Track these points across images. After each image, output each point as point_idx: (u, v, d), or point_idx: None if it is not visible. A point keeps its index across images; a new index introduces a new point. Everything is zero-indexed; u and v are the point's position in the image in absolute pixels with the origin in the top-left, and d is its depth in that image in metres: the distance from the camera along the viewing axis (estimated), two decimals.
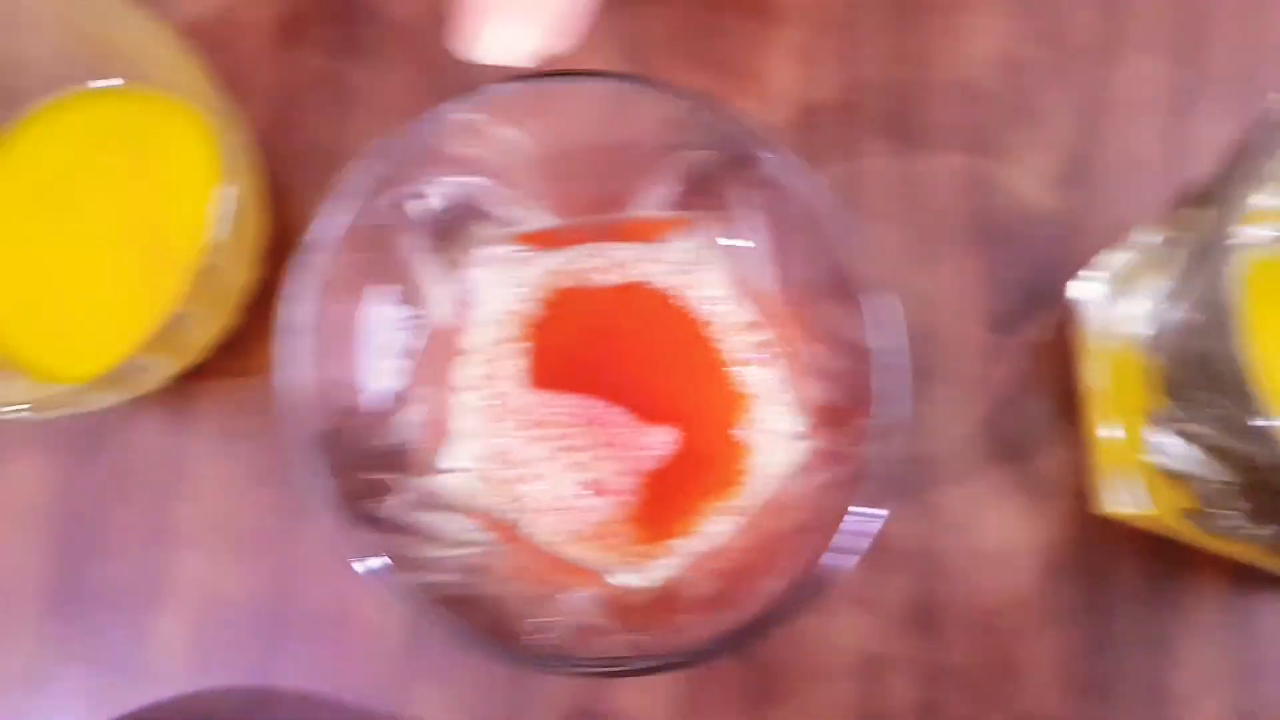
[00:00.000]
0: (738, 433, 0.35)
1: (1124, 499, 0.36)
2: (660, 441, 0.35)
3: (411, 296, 0.34)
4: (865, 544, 0.28)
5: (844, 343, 0.31)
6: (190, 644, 0.42)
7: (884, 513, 0.28)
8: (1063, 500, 0.40)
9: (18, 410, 0.34)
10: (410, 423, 0.34)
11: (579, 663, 0.27)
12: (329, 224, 0.29)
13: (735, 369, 0.36)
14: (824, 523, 0.30)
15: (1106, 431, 0.37)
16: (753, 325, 0.36)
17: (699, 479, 0.35)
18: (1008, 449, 0.40)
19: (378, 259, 0.32)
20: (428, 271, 0.34)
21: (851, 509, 0.29)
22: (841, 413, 0.32)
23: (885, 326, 0.28)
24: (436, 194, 0.33)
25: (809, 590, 0.27)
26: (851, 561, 0.27)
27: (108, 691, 0.42)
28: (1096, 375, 0.38)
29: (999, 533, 0.39)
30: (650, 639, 0.30)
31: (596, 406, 0.36)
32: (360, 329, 0.31)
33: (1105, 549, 0.39)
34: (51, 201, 0.42)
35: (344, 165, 0.46)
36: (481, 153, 0.32)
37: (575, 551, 0.34)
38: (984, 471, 0.41)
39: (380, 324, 0.32)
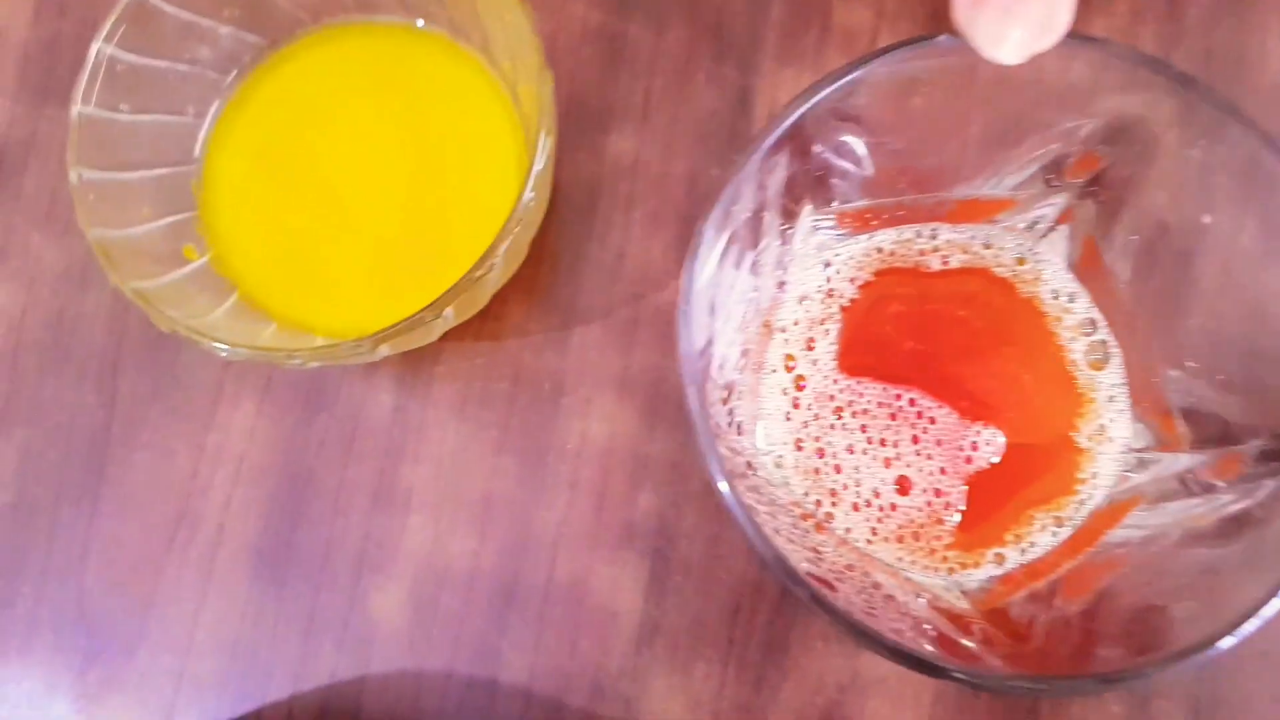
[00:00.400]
0: (1072, 436, 0.32)
1: None
2: (985, 441, 0.32)
3: (759, 266, 0.31)
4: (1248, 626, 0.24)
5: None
6: (409, 616, 0.39)
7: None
8: None
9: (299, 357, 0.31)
10: (741, 395, 0.31)
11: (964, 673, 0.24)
12: (742, 182, 0.26)
13: (1074, 369, 0.33)
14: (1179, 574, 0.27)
15: None
16: (1102, 321, 0.33)
17: (1024, 482, 0.32)
18: None
19: (748, 226, 0.29)
20: (771, 242, 0.31)
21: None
22: (1225, 430, 0.29)
23: None
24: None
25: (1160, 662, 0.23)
26: (1223, 645, 0.24)
27: (315, 660, 0.39)
28: None
29: None
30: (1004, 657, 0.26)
31: (914, 398, 0.33)
32: (724, 295, 0.28)
33: None
34: (335, 129, 0.39)
35: (612, 121, 0.43)
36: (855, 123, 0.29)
37: (883, 553, 0.31)
38: None
39: (735, 292, 0.29)
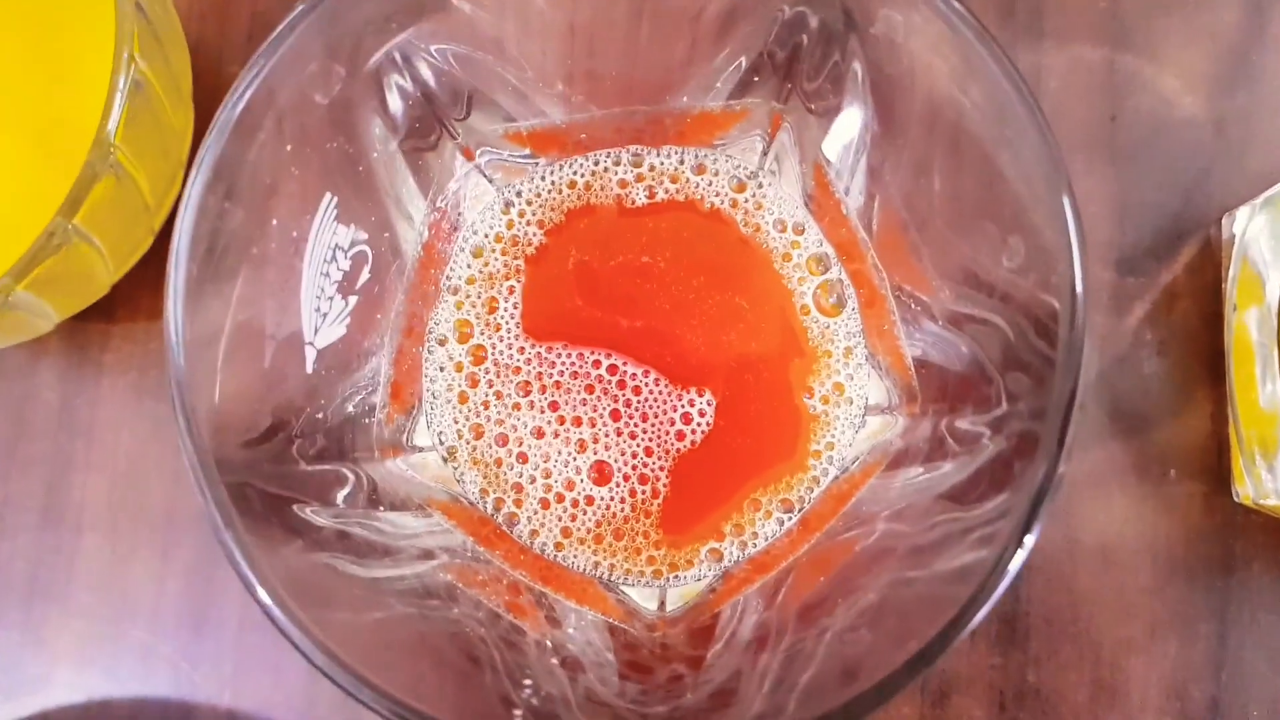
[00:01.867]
0: (805, 400, 0.26)
1: (1271, 486, 0.29)
2: (699, 411, 0.26)
3: (372, 212, 0.24)
4: (997, 586, 0.19)
5: (975, 286, 0.22)
6: (88, 645, 0.33)
7: (1029, 540, 0.19)
8: (1191, 484, 0.32)
9: None
10: (365, 386, 0.25)
11: None
12: (258, 97, 0.19)
13: (805, 317, 0.27)
14: (925, 542, 0.21)
15: (1256, 401, 0.29)
16: (834, 257, 0.27)
17: (746, 460, 0.26)
18: (1126, 418, 0.32)
19: (329, 156, 0.23)
20: (397, 178, 0.25)
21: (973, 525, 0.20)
22: (959, 387, 0.23)
23: (1058, 266, 0.19)
24: (416, 67, 0.23)
25: (916, 664, 0.18)
26: (976, 616, 0.18)
27: None
28: (1251, 331, 0.29)
29: (1106, 522, 0.32)
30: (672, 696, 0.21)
31: (615, 364, 0.27)
32: (303, 256, 0.22)
33: (1241, 547, 0.32)
34: None
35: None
36: (482, 10, 0.22)
37: (577, 556, 0.26)
38: (1093, 446, 0.32)
39: (325, 250, 0.23)
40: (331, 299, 0.23)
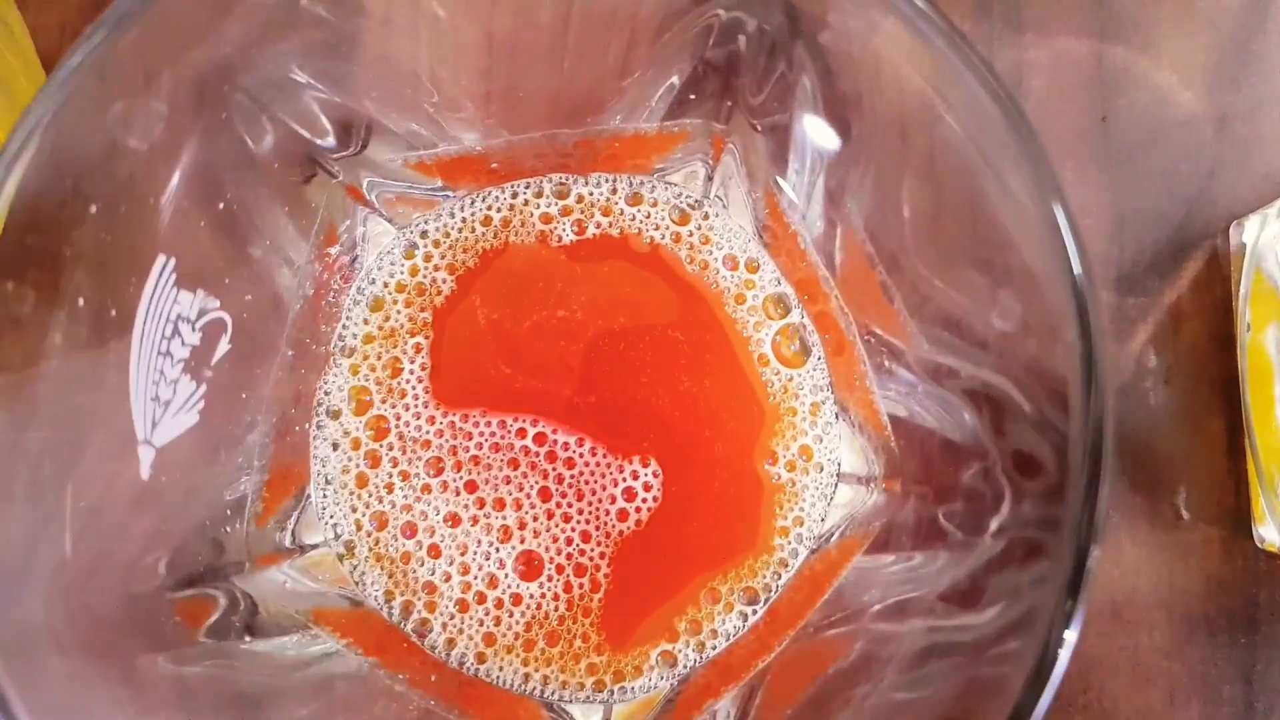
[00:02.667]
0: (766, 468, 0.22)
1: None
2: (644, 485, 0.22)
3: (230, 270, 0.20)
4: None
5: (958, 334, 0.18)
6: None
7: (1069, 640, 0.15)
8: (1207, 528, 0.29)
9: None
10: (229, 482, 0.21)
11: None
12: (41, 151, 0.15)
13: (764, 368, 0.23)
14: (921, 647, 0.17)
15: (1278, 429, 0.27)
16: (794, 297, 0.23)
17: (701, 541, 0.22)
18: (1132, 456, 0.30)
19: (157, 213, 0.18)
20: (266, 223, 0.20)
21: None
22: (947, 457, 0.19)
23: (1061, 328, 0.15)
24: (276, 94, 0.19)
25: None
26: None
27: None
28: (1269, 350, 0.28)
29: (1115, 575, 0.29)
30: None
31: (543, 432, 0.23)
32: (131, 336, 0.17)
33: (1266, 596, 0.29)
34: None
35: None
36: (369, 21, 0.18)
37: (503, 669, 0.21)
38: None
39: (165, 324, 0.18)
40: (175, 382, 0.19)
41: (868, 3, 0.16)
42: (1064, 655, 0.15)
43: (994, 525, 0.18)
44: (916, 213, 0.20)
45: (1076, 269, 0.15)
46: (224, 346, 0.20)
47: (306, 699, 0.19)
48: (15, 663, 0.14)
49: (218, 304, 0.19)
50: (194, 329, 0.19)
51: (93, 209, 0.16)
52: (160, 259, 0.18)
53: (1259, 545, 0.28)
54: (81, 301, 0.16)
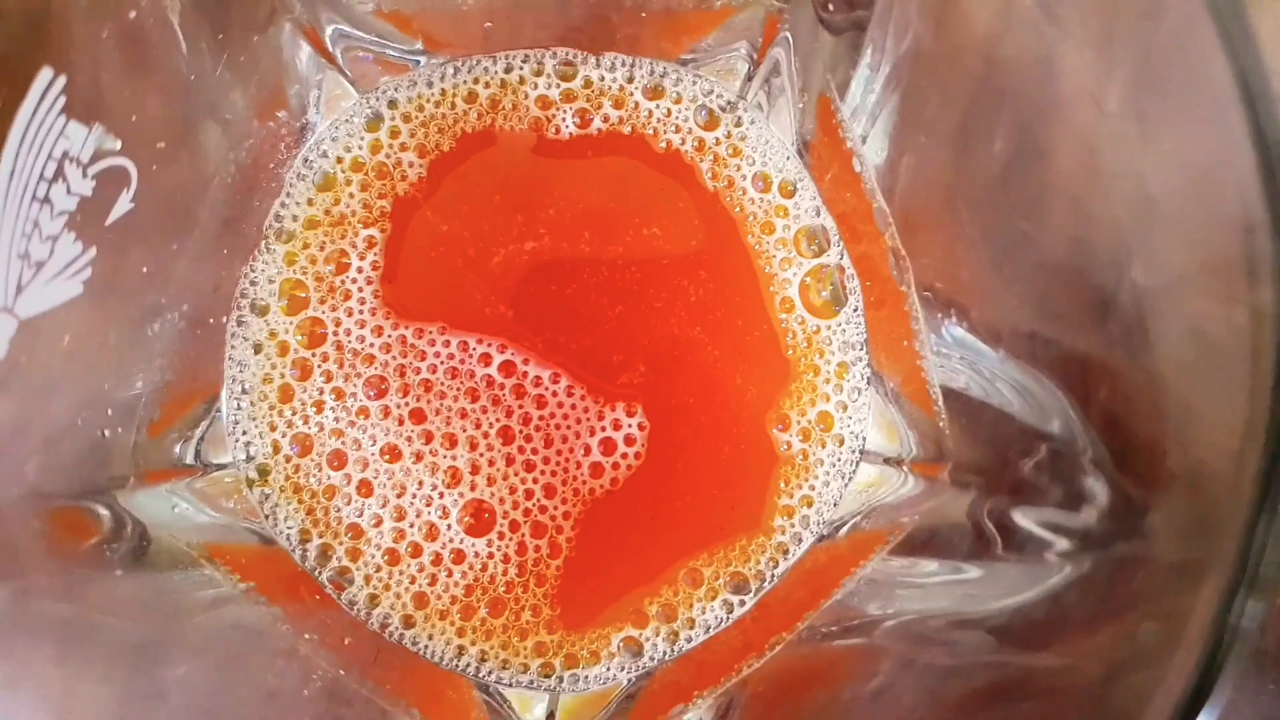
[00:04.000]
0: (775, 433, 0.18)
1: None
2: (625, 438, 0.18)
3: (143, 108, 0.15)
4: None
5: (1065, 297, 0.14)
6: None
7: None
8: None
9: None
10: (121, 378, 0.16)
11: None
12: None
13: (787, 314, 0.19)
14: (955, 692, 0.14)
15: None
16: (835, 233, 0.19)
17: (686, 513, 0.18)
18: None
19: (50, 15, 0.14)
20: (196, 62, 0.16)
21: None
22: (1016, 445, 0.15)
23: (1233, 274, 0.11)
24: None
25: None
26: None
27: None
28: None
29: None
30: None
31: (511, 360, 0.18)
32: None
33: None
34: None
35: None
36: None
37: (433, 638, 0.18)
38: None
39: (44, 160, 0.14)
40: (54, 239, 0.15)
41: None
42: None
43: (1066, 546, 0.14)
44: (1013, 143, 0.15)
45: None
46: (125, 204, 0.16)
47: (192, 653, 0.16)
48: None
49: (119, 146, 0.15)
50: (85, 174, 0.15)
51: None
52: (44, 73, 0.14)
53: None
54: None
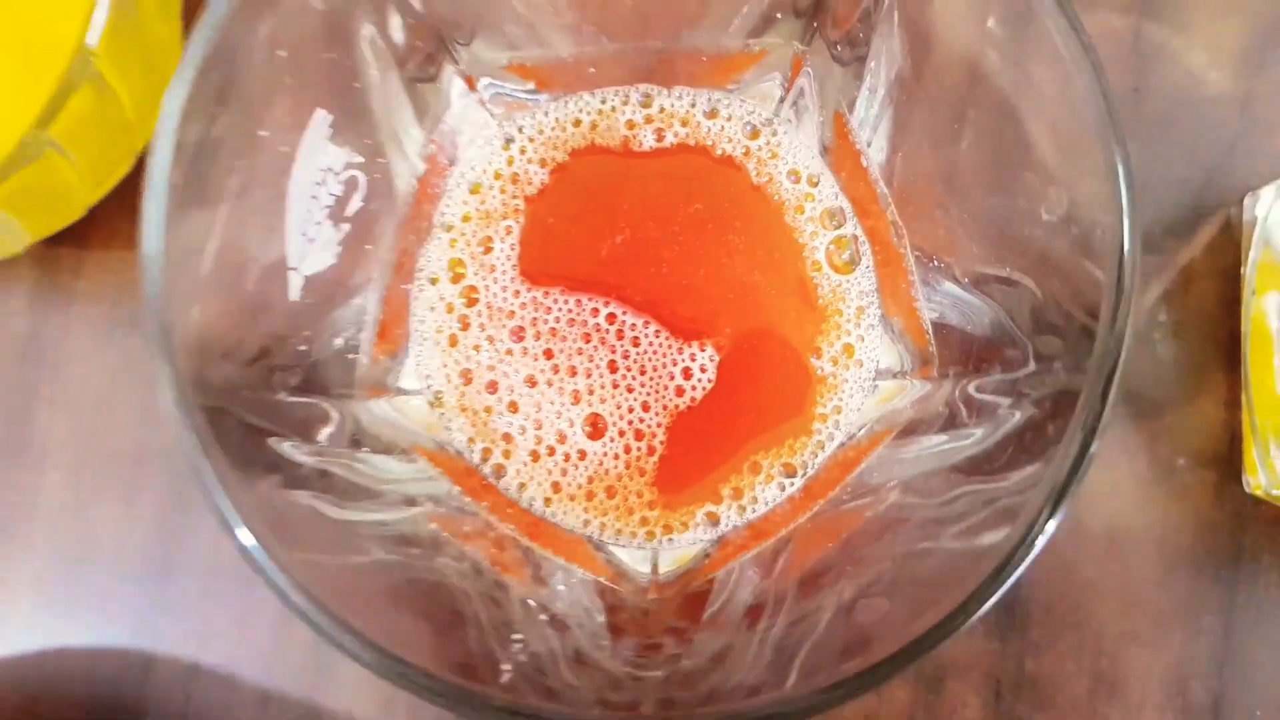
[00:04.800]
0: (812, 361, 0.25)
1: None
2: (700, 367, 0.25)
3: (366, 135, 0.23)
4: (1023, 561, 0.17)
5: (1005, 245, 0.20)
6: (47, 586, 0.32)
7: (1060, 513, 0.18)
8: (1201, 472, 0.31)
9: None
10: (352, 321, 0.24)
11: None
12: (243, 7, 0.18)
13: (816, 273, 0.26)
14: (941, 514, 0.20)
15: (1272, 388, 0.29)
16: (850, 211, 0.26)
17: (748, 420, 0.25)
18: (1138, 401, 0.31)
19: (323, 69, 0.21)
20: (393, 103, 0.23)
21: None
22: (981, 350, 0.22)
23: (1103, 220, 0.18)
24: None
25: (932, 637, 0.17)
26: (998, 591, 0.17)
27: None
28: (1269, 317, 0.30)
29: (1113, 508, 0.31)
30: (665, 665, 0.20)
31: (614, 313, 0.25)
32: (290, 177, 0.20)
33: (1250, 539, 0.31)
34: None
35: None
36: None
37: (566, 513, 0.24)
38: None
39: (315, 171, 0.21)
40: (320, 224, 0.22)
41: None
42: (1059, 513, 0.17)
43: (1008, 405, 0.21)
44: (979, 138, 0.22)
45: (1120, 167, 0.17)
46: (356, 203, 0.23)
47: (406, 505, 0.22)
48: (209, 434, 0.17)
49: (360, 161, 0.22)
50: (337, 181, 0.22)
51: (281, 53, 0.19)
52: (320, 112, 0.21)
53: (1247, 491, 0.30)
54: (263, 134, 0.19)
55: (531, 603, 0.22)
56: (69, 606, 0.32)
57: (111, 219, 0.31)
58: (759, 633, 0.21)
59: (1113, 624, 0.30)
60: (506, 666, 0.18)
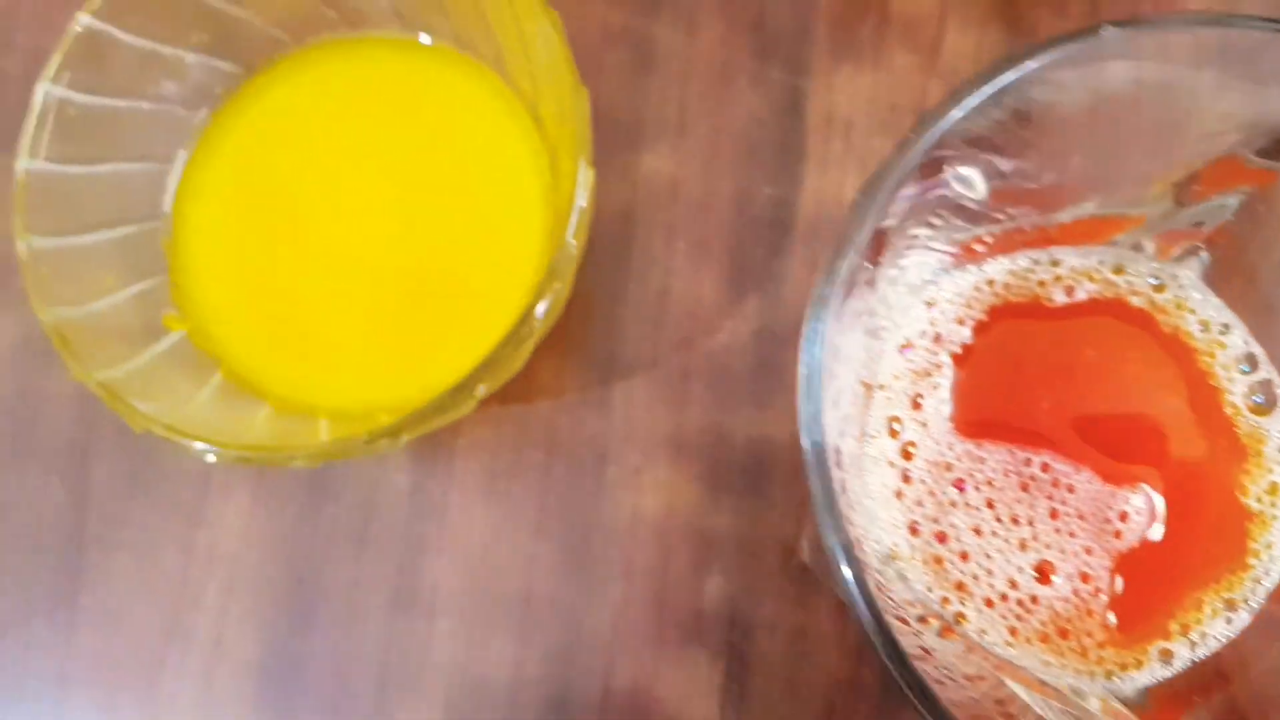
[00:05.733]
0: (1243, 499, 0.27)
1: None
2: (1136, 510, 0.27)
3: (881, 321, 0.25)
4: None
5: None
6: None
7: None
8: None
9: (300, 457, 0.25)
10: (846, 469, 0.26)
11: None
12: (872, 213, 0.20)
13: (1236, 416, 0.27)
14: None
15: None
16: (1262, 357, 0.27)
17: (1187, 558, 0.26)
18: None
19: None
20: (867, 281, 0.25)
21: None
22: None
23: None
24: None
25: None
26: None
27: None
28: None
29: None
30: None
31: (1047, 462, 0.27)
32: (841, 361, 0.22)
33: None
34: (327, 168, 0.33)
35: (643, 138, 0.37)
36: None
37: (1027, 656, 0.26)
38: None
39: (853, 356, 0.23)
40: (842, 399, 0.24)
41: None
42: None
43: None
44: None
45: None
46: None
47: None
48: None
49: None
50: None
51: None
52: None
53: None
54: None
55: None
56: None
57: None
58: None
59: None
60: None
